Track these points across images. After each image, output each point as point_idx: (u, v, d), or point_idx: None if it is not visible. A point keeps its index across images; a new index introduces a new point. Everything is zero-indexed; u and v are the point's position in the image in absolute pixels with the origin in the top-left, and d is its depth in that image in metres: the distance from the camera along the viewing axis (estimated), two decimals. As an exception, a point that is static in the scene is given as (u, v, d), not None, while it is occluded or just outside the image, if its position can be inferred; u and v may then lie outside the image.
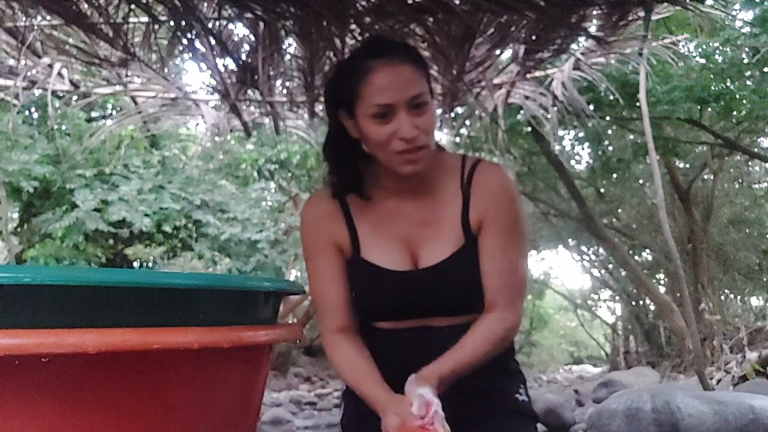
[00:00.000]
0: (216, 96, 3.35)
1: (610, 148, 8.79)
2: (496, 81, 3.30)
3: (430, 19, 2.42)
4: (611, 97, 5.64)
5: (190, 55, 2.87)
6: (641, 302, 11.12)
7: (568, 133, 9.03)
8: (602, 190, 10.56)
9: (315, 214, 1.27)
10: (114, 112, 9.24)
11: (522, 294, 1.22)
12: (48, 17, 2.62)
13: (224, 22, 2.61)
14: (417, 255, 1.20)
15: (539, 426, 1.34)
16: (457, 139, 8.80)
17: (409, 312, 1.22)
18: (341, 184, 1.22)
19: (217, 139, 4.00)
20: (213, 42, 2.65)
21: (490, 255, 1.18)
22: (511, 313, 1.18)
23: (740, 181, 9.92)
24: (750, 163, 9.46)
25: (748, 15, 5.53)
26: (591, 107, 4.97)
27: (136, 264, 9.62)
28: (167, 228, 9.32)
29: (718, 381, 5.51)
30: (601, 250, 11.80)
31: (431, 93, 1.16)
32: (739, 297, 10.14)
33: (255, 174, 10.19)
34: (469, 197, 1.19)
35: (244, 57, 2.84)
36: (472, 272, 1.19)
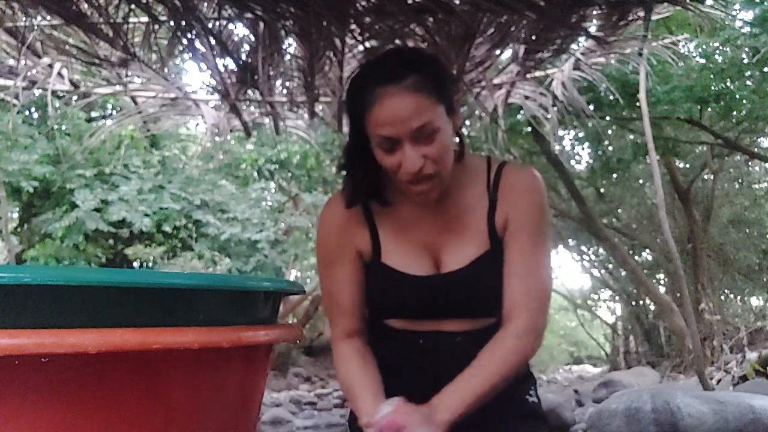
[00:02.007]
0: (216, 96, 3.35)
1: (610, 148, 8.79)
2: (496, 81, 3.30)
3: (430, 19, 2.42)
4: (611, 97, 5.64)
5: (190, 55, 2.87)
6: (641, 302, 11.12)
7: (568, 133, 9.03)
8: (602, 190, 10.56)
9: (335, 219, 1.21)
10: (114, 112, 9.24)
11: (544, 304, 1.15)
12: (48, 17, 2.62)
13: (224, 22, 2.61)
14: (440, 260, 1.17)
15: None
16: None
17: (424, 314, 1.20)
18: (360, 192, 1.17)
19: (217, 139, 4.01)
20: (213, 42, 2.65)
21: (512, 255, 1.13)
22: (531, 328, 1.11)
23: (740, 181, 9.91)
24: (750, 163, 9.45)
25: (748, 15, 5.53)
26: (591, 107, 4.97)
27: (136, 264, 9.62)
28: (167, 228, 9.32)
29: (718, 381, 5.50)
30: (601, 250, 11.80)
31: (451, 106, 1.08)
32: (739, 297, 10.13)
33: (255, 174, 10.20)
34: (495, 201, 1.15)
35: (244, 57, 2.84)
36: (496, 277, 1.15)
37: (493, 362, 1.09)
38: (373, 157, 1.10)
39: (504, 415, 1.15)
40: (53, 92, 3.00)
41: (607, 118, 7.15)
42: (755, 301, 10.02)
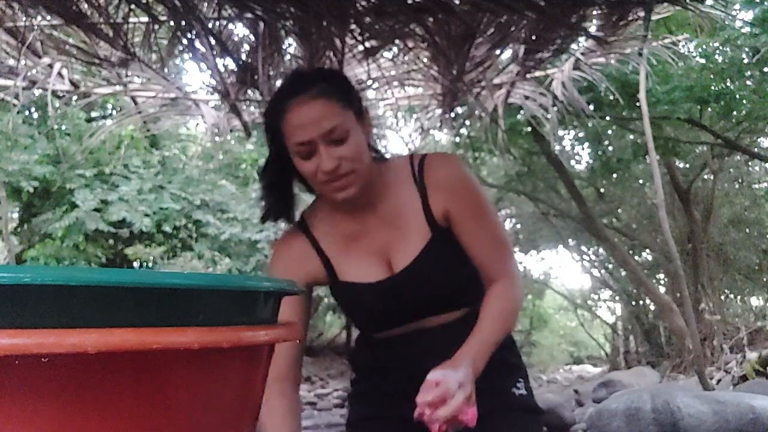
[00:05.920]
0: (216, 96, 3.35)
1: (610, 148, 8.80)
2: (496, 81, 3.30)
3: (430, 19, 2.42)
4: (611, 97, 5.65)
5: (190, 55, 2.87)
6: (641, 302, 11.12)
7: (568, 133, 9.04)
8: (602, 190, 10.56)
9: (285, 256, 1.27)
10: (114, 112, 9.25)
11: (511, 255, 1.26)
12: (48, 17, 2.62)
13: (224, 22, 2.61)
14: (390, 260, 1.22)
15: (539, 426, 1.33)
16: (457, 139, 8.80)
17: (400, 318, 1.23)
18: (272, 209, 1.23)
19: (217, 139, 4.01)
20: (213, 42, 2.65)
21: (470, 239, 1.20)
22: (511, 278, 1.21)
23: (740, 181, 9.91)
24: (750, 163, 9.45)
25: (748, 15, 5.53)
26: (591, 107, 4.97)
27: (136, 264, 9.62)
28: (167, 228, 9.33)
29: (718, 381, 5.51)
30: (601, 250, 11.81)
31: (359, 112, 1.17)
32: (739, 297, 10.12)
33: (255, 174, 10.20)
34: (426, 191, 1.21)
35: (244, 57, 2.84)
36: (447, 262, 1.21)
37: (495, 311, 1.17)
38: (292, 173, 1.18)
39: (488, 410, 1.14)
40: (53, 92, 3.00)
41: (607, 118, 7.16)
42: (755, 301, 10.02)
